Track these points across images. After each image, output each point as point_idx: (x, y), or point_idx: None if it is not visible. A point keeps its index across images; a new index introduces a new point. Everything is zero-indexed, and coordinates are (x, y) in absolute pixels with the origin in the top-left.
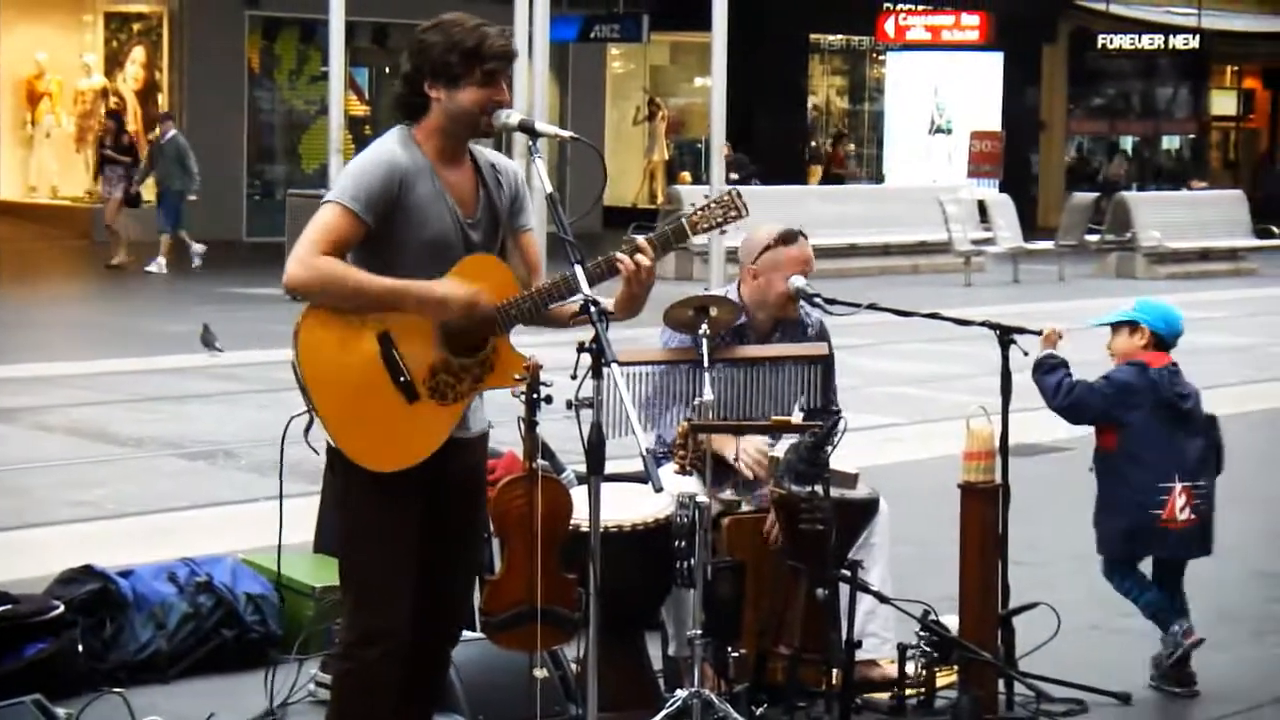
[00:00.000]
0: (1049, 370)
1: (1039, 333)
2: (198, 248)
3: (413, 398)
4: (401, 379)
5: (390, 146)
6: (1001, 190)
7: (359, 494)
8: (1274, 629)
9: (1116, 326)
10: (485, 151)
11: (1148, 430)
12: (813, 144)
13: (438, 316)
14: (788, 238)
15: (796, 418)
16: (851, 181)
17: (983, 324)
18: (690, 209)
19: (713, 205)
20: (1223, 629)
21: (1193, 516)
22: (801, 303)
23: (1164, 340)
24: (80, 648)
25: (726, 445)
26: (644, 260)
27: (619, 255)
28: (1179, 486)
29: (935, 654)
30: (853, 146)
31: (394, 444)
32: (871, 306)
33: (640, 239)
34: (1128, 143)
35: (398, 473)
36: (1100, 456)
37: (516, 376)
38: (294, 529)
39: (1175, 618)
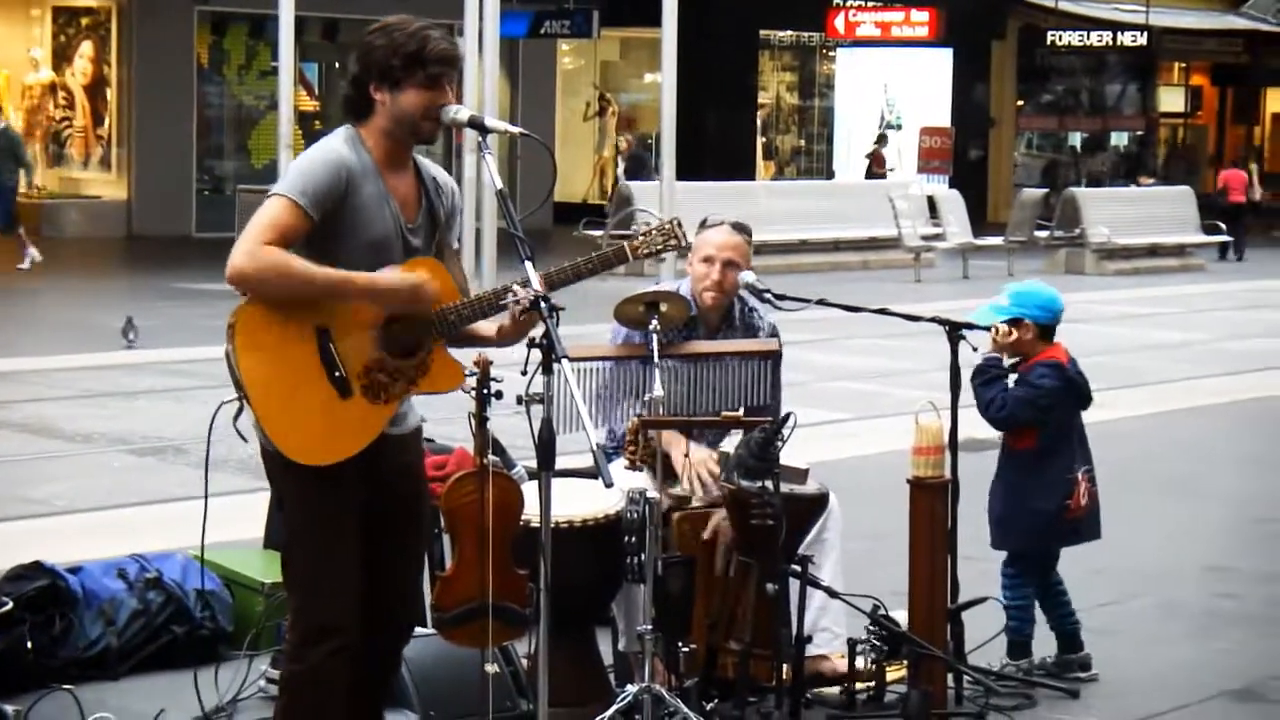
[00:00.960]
0: (988, 382)
1: (989, 328)
2: (33, 252)
3: (346, 393)
4: (336, 374)
5: (337, 145)
6: (951, 186)
7: (298, 489)
8: (1222, 623)
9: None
10: (428, 164)
11: (1061, 425)
12: (763, 140)
13: (385, 303)
14: (705, 223)
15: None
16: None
17: (932, 319)
18: (634, 232)
19: (653, 233)
20: (1171, 623)
21: (1088, 501)
22: (752, 303)
23: (1049, 328)
24: (29, 644)
25: (675, 445)
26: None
27: (514, 287)
28: (1080, 473)
29: (885, 649)
30: (878, 146)
31: (325, 438)
32: (821, 302)
33: (533, 273)
34: (1076, 139)
35: (333, 468)
36: (1011, 454)
37: (467, 372)
38: (244, 525)
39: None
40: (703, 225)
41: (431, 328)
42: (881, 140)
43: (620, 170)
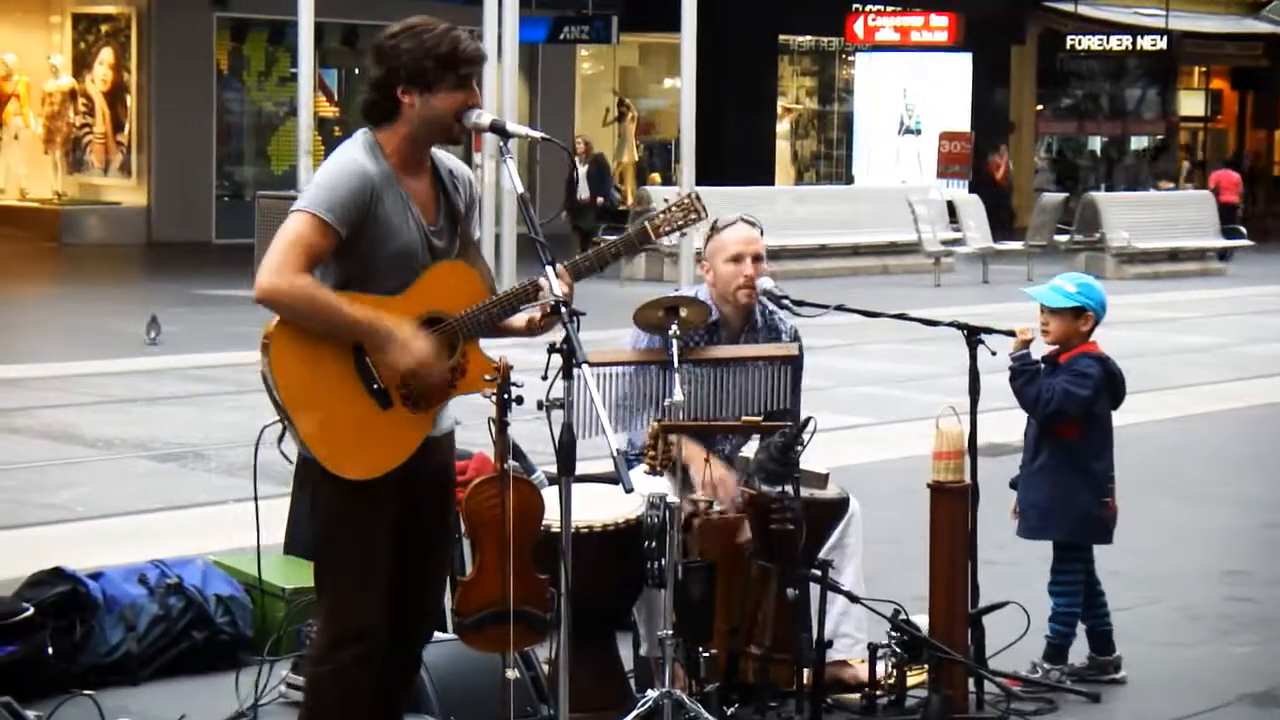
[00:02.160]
0: (1028, 380)
1: (1010, 333)
2: None
3: (386, 404)
4: (375, 386)
5: (357, 156)
6: (971, 191)
7: (333, 498)
8: (1240, 627)
9: (1059, 310)
10: (443, 156)
11: (1106, 421)
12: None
13: (389, 355)
14: (721, 224)
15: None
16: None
17: (950, 324)
18: (653, 212)
19: (673, 209)
20: (1190, 627)
21: (1115, 503)
22: (772, 307)
23: (1099, 323)
24: (50, 650)
25: (695, 458)
26: (562, 286)
27: (541, 281)
28: (1112, 474)
29: (906, 653)
30: (998, 157)
31: (369, 451)
32: (839, 308)
33: (560, 265)
34: (1096, 143)
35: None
36: (1060, 446)
37: (487, 378)
38: (265, 531)
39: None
40: (714, 229)
41: (462, 330)
42: (996, 149)
43: (582, 185)
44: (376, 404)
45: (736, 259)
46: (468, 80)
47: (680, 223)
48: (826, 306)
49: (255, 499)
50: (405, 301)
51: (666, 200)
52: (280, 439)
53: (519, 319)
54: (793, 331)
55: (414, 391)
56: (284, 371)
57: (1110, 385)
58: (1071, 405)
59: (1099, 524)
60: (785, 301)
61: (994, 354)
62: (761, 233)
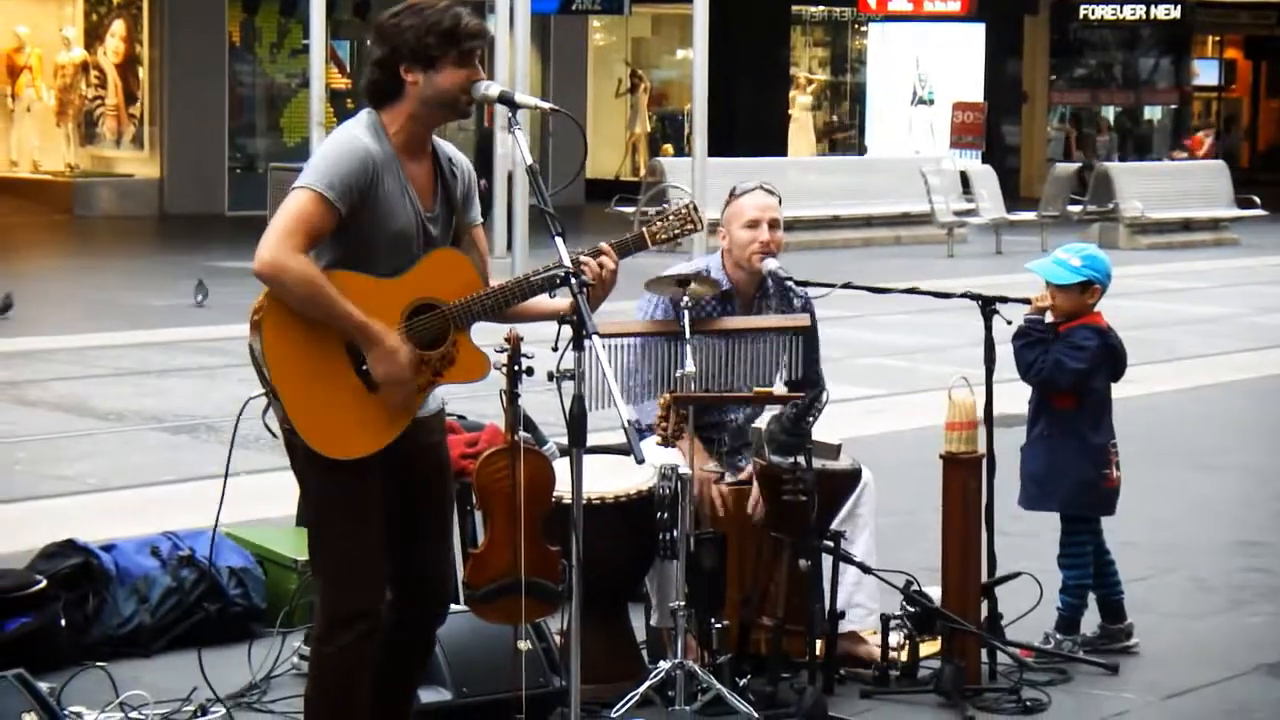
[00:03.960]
0: (1030, 344)
1: (1026, 301)
2: None
3: (374, 387)
4: (364, 368)
5: (360, 134)
6: (984, 161)
7: (321, 477)
8: (1253, 597)
9: (1065, 286)
10: (443, 145)
11: (1104, 394)
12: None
13: (375, 361)
14: (738, 190)
15: (779, 389)
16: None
17: (964, 295)
18: (650, 218)
19: (670, 217)
20: (1203, 598)
21: (1118, 474)
22: (789, 281)
23: (1104, 293)
24: (63, 622)
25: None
26: (608, 264)
27: (584, 260)
28: (1112, 445)
29: (918, 625)
30: (1205, 133)
31: (355, 432)
32: (846, 285)
33: (603, 244)
34: (1109, 113)
35: (356, 459)
36: (1056, 417)
37: (498, 349)
38: (276, 502)
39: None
40: (733, 194)
41: (454, 319)
42: (1204, 126)
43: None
44: (364, 385)
45: (753, 224)
46: (470, 56)
47: (677, 231)
48: (833, 285)
49: (225, 476)
50: (399, 286)
51: (666, 206)
52: (265, 412)
53: (560, 302)
54: (805, 299)
55: (381, 395)
56: (275, 348)
57: (1109, 358)
58: (1062, 376)
59: (1097, 495)
60: (789, 283)
61: (1009, 323)
62: (780, 201)
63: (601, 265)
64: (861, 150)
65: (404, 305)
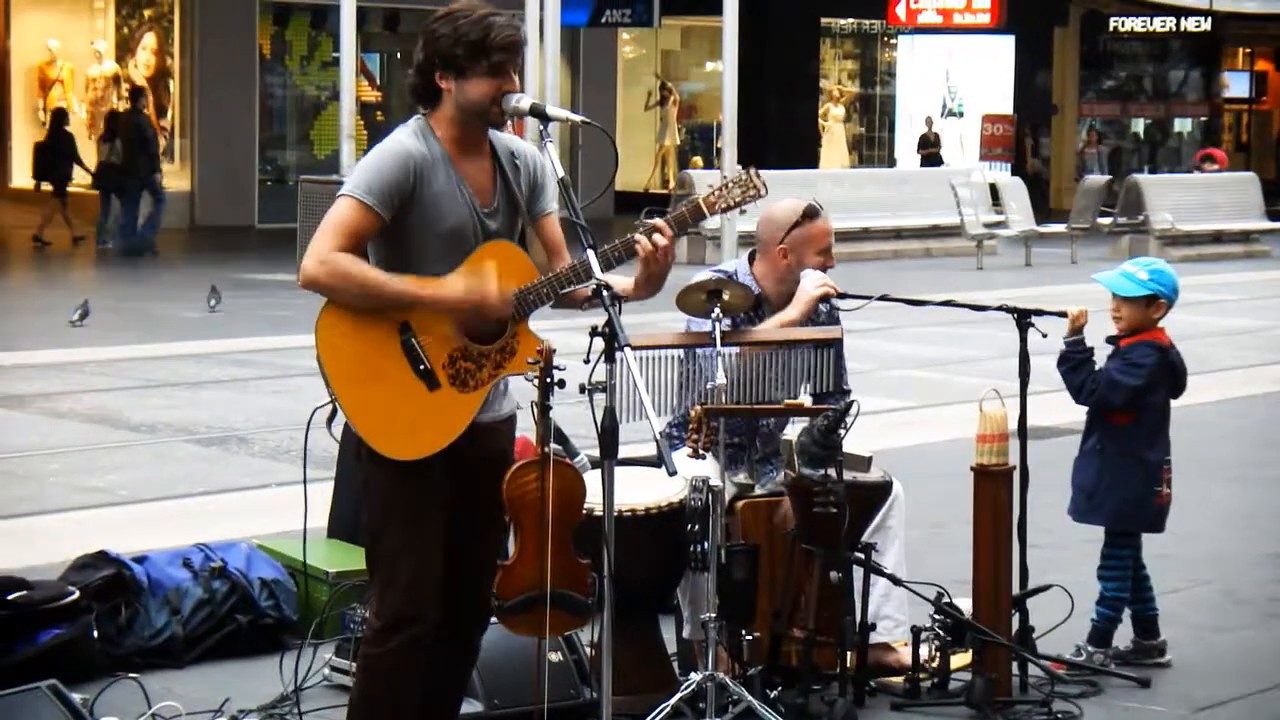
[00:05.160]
0: (1075, 367)
1: (1062, 314)
2: None
3: (434, 386)
4: (422, 367)
5: (403, 139)
6: (1013, 173)
7: (386, 479)
8: None
9: (1131, 298)
10: (504, 138)
11: (1162, 410)
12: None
13: (453, 314)
14: (811, 213)
15: (805, 401)
16: None
17: (999, 308)
18: (708, 189)
19: (730, 185)
20: (1234, 610)
21: (1169, 491)
22: None
23: (1171, 308)
24: (95, 633)
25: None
26: (661, 240)
27: (637, 237)
28: (1166, 462)
29: (949, 636)
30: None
31: (416, 432)
32: (883, 298)
33: (657, 220)
34: (1139, 125)
35: (421, 460)
36: (1111, 432)
37: (530, 360)
38: (309, 514)
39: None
40: (808, 216)
41: (512, 310)
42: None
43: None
44: (424, 385)
45: (825, 250)
46: (501, 68)
47: (739, 199)
48: (869, 298)
49: (304, 481)
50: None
51: (712, 185)
52: (330, 420)
53: (580, 292)
54: (831, 308)
55: (473, 330)
56: (331, 352)
57: (1169, 375)
58: (1116, 394)
59: (1145, 512)
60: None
61: (1044, 336)
62: None
63: (655, 244)
64: (891, 162)
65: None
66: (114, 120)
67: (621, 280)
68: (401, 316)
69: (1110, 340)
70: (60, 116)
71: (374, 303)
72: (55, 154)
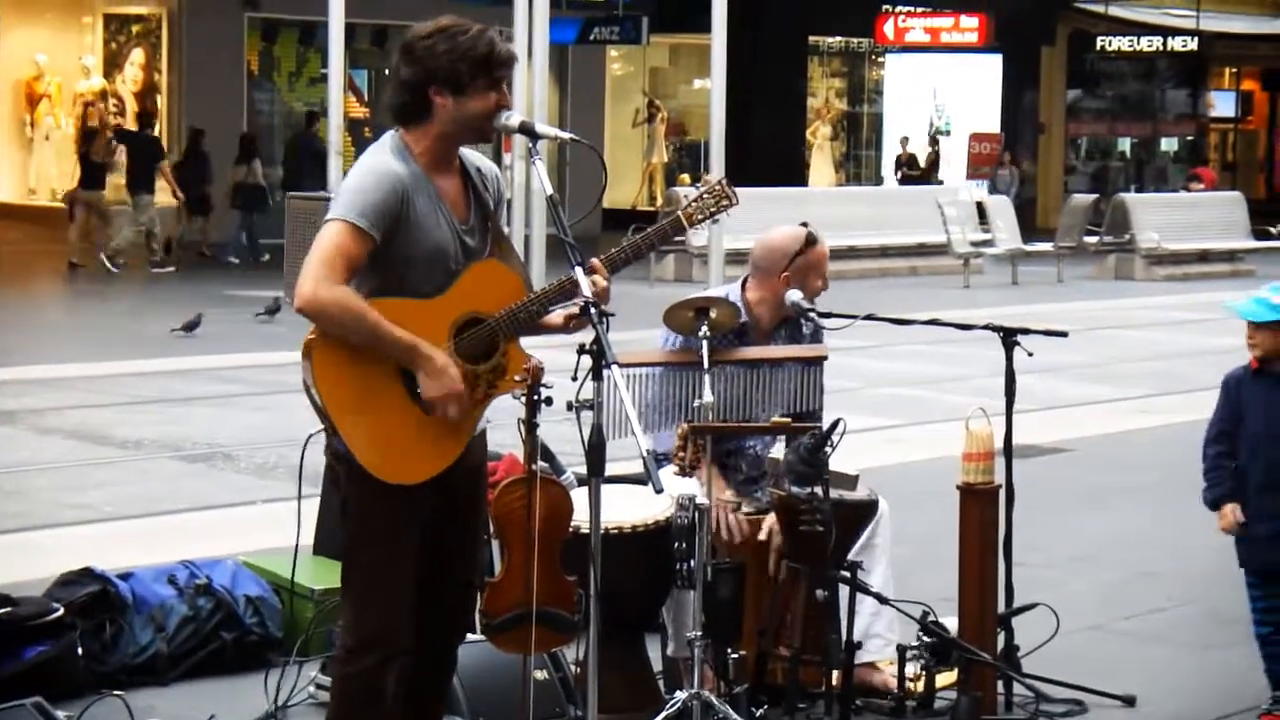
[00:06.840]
0: (1211, 485)
1: (1060, 333)
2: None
3: (430, 409)
4: (419, 390)
5: (387, 159)
6: (990, 191)
7: (366, 499)
8: None
9: (1266, 324)
10: (470, 155)
11: None
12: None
13: (427, 376)
14: (812, 240)
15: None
16: None
17: (986, 327)
18: (685, 202)
19: (705, 196)
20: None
21: None
22: (811, 312)
23: None
24: (80, 650)
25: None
26: (600, 281)
27: (577, 276)
28: None
29: (935, 655)
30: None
31: (414, 457)
32: (869, 317)
33: (595, 260)
34: (1126, 144)
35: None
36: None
37: (517, 378)
38: (294, 531)
39: None
40: (809, 244)
41: (502, 329)
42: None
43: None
44: (421, 409)
45: (824, 274)
46: (500, 82)
47: (713, 209)
48: (855, 317)
49: (299, 499)
50: (445, 304)
51: (697, 187)
52: (328, 447)
53: (556, 316)
54: (813, 329)
55: (436, 415)
56: (327, 377)
57: None
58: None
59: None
60: (813, 314)
61: (1030, 355)
62: None
63: (595, 284)
64: (878, 181)
65: (451, 322)
66: (248, 141)
67: (554, 317)
68: None
69: (1256, 371)
70: (196, 136)
71: (369, 344)
72: (192, 173)
